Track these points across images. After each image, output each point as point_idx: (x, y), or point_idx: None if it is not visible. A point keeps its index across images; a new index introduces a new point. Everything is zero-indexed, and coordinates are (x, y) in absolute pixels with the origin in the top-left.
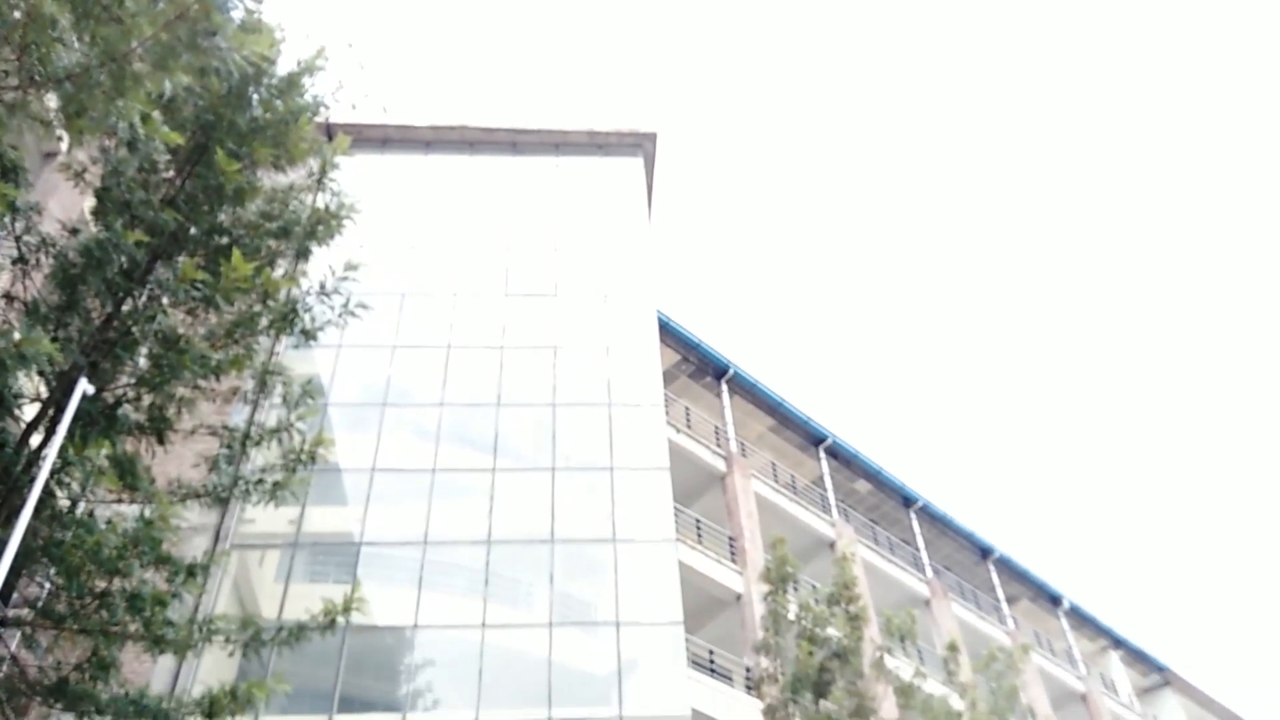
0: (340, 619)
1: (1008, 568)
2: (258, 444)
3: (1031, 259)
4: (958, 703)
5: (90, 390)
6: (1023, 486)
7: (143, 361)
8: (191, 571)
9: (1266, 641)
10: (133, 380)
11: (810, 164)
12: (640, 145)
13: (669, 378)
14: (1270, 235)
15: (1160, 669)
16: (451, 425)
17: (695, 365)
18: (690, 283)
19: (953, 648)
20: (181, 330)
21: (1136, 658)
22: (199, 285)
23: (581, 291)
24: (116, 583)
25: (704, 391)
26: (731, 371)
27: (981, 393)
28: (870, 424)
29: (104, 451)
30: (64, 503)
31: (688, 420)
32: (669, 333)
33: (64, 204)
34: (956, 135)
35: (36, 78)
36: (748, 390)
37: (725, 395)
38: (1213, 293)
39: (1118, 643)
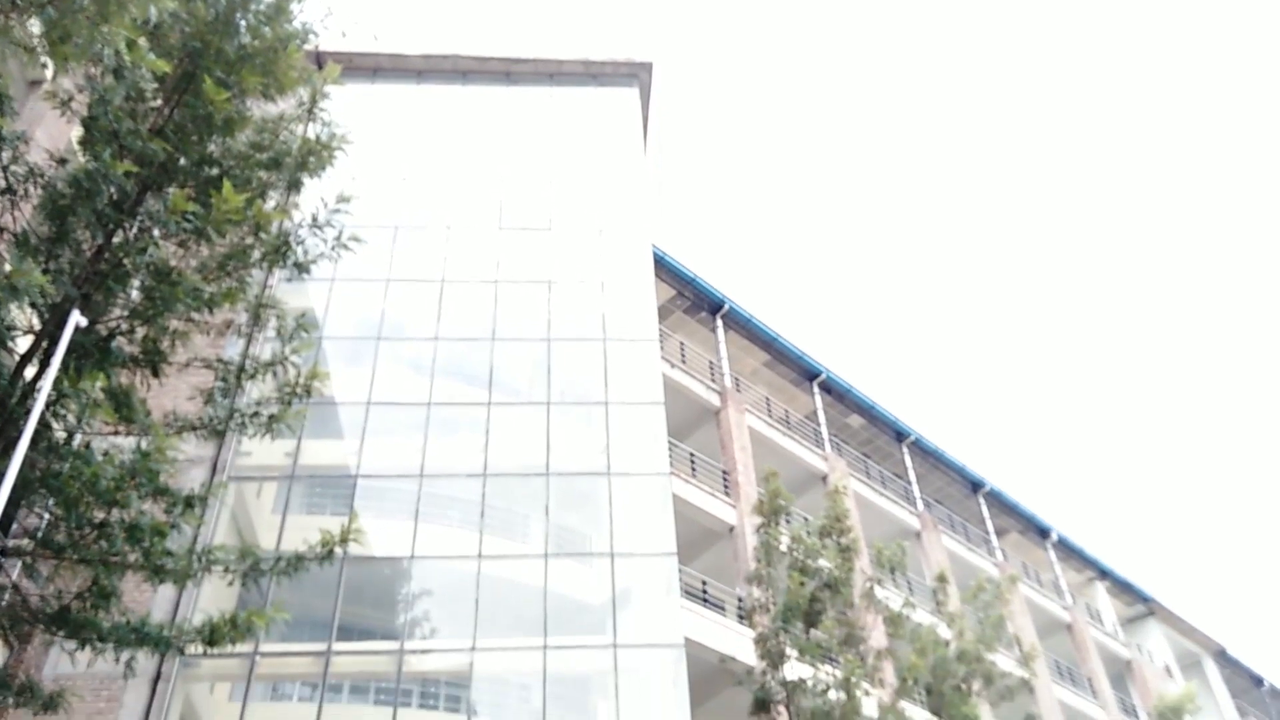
0: (338, 550)
1: (998, 501)
2: (253, 377)
3: (1028, 194)
4: (945, 632)
5: (83, 322)
6: (1015, 419)
7: (135, 294)
8: (189, 503)
9: (1249, 571)
10: (125, 313)
11: (808, 97)
12: (636, 76)
13: (664, 313)
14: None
15: (1145, 599)
16: (446, 360)
17: (690, 300)
18: (686, 217)
19: (942, 579)
20: (173, 263)
21: (1122, 588)
22: (190, 217)
23: (576, 225)
24: (115, 513)
25: (699, 327)
26: (726, 307)
27: (975, 327)
28: (864, 359)
29: (98, 384)
30: (60, 435)
31: (682, 355)
32: (664, 267)
33: (51, 133)
34: (959, 72)
35: (18, 2)
36: (742, 325)
37: (720, 330)
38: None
39: (1104, 574)
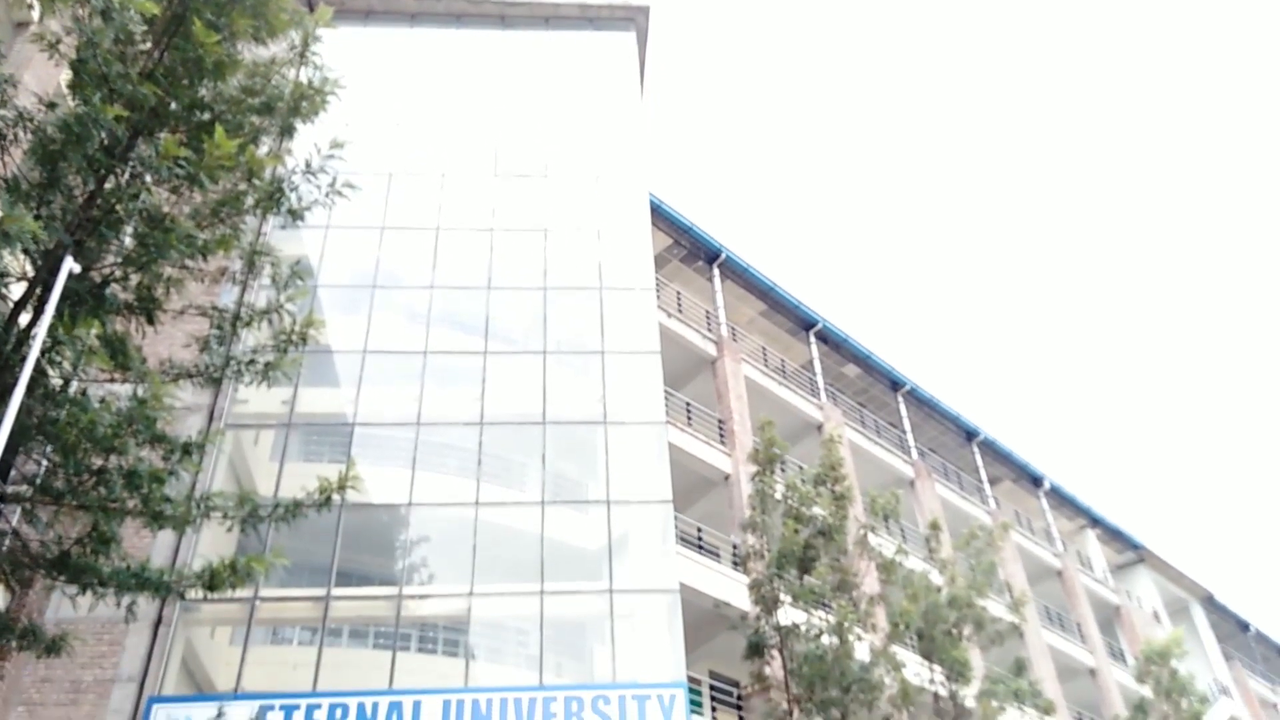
0: (336, 496)
1: (992, 449)
2: (248, 325)
3: (1027, 142)
4: (937, 578)
5: (76, 269)
6: (1009, 368)
7: (128, 241)
8: (187, 449)
9: (1239, 517)
10: (119, 260)
11: (806, 43)
12: (633, 19)
13: (660, 261)
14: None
15: (1135, 547)
16: (442, 308)
17: (687, 249)
18: (683, 165)
19: (935, 526)
20: (166, 209)
21: (1113, 536)
22: (182, 163)
23: (572, 172)
24: (113, 460)
25: (695, 275)
26: (723, 255)
27: (971, 276)
28: (861, 309)
29: (93, 331)
30: (56, 382)
31: (679, 304)
32: (661, 215)
33: (39, 77)
34: (964, 18)
35: None
36: (739, 274)
37: (717, 279)
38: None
39: (1095, 521)
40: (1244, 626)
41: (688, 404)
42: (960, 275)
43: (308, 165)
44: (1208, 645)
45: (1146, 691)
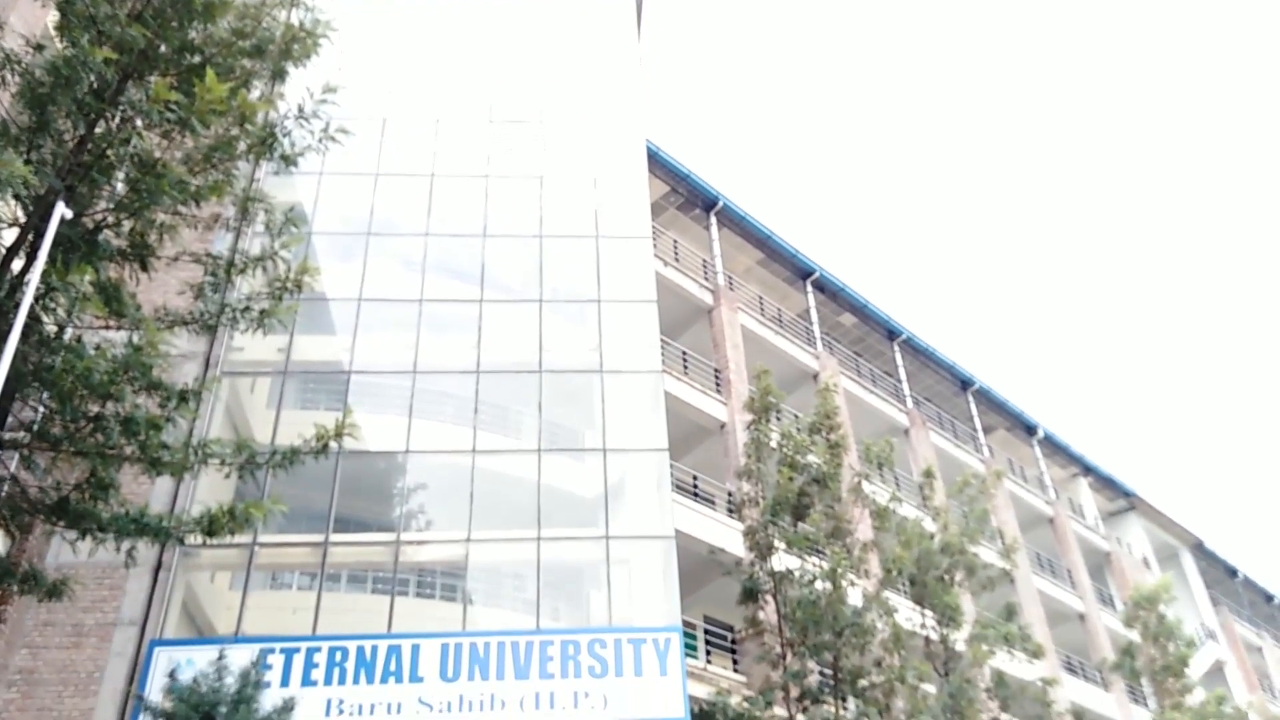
0: (333, 443)
1: (986, 398)
2: (242, 272)
3: (1025, 91)
4: (931, 525)
5: (69, 214)
6: (1005, 317)
7: (120, 186)
8: (183, 397)
9: (1231, 464)
10: (112, 205)
11: None
12: None
13: (657, 209)
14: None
15: (1127, 494)
16: (437, 256)
17: (684, 197)
18: (681, 111)
19: (928, 474)
20: (158, 154)
21: (1105, 484)
22: (173, 107)
23: (568, 119)
24: (109, 407)
25: (692, 224)
26: (720, 203)
27: (966, 225)
28: (858, 258)
29: (87, 277)
30: (51, 328)
31: (675, 253)
32: (658, 163)
33: (25, 18)
34: None
35: None
36: (736, 223)
37: (714, 228)
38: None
39: (1088, 470)
40: (1232, 573)
41: (684, 353)
42: (956, 225)
43: (300, 110)
44: (1196, 591)
45: (1134, 636)
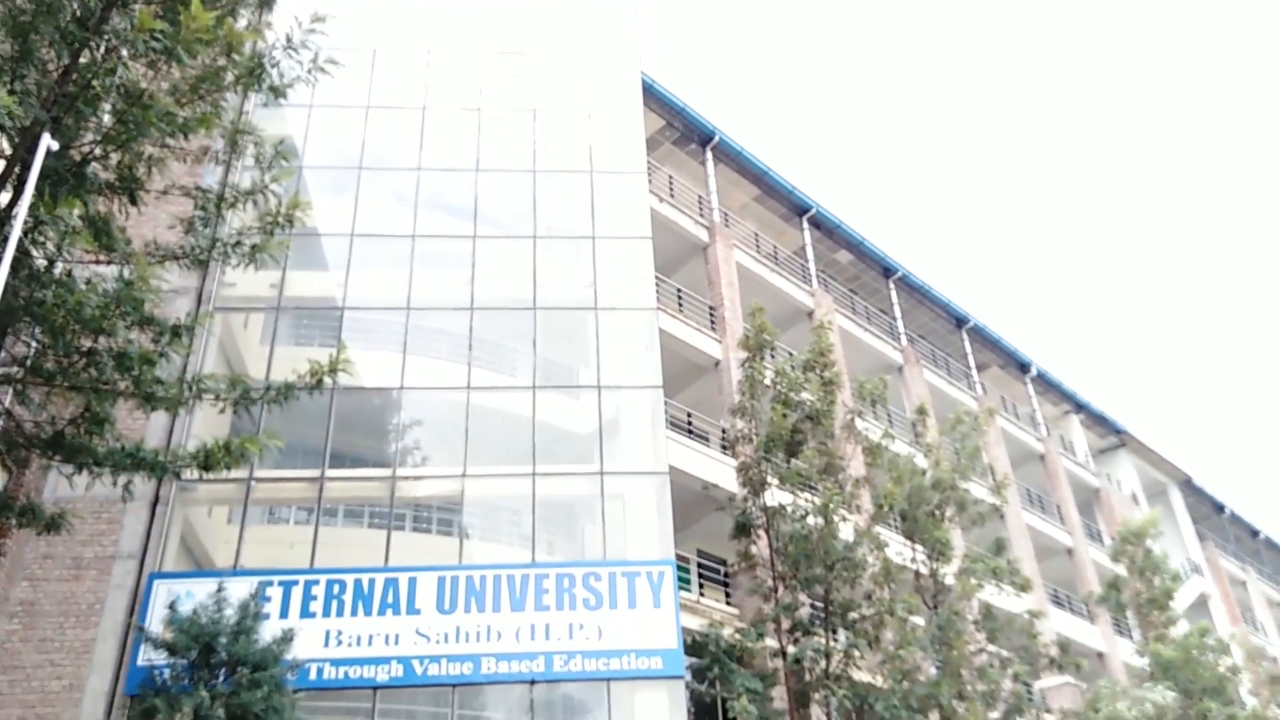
0: (327, 379)
1: (980, 336)
2: (233, 206)
3: (1023, 26)
4: (922, 462)
5: (55, 146)
6: (1000, 254)
7: (107, 118)
8: (176, 332)
9: (1221, 400)
10: (98, 138)
11: None
12: None
13: (652, 144)
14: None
15: (1118, 431)
16: (430, 191)
17: (680, 131)
18: (676, 44)
19: (921, 411)
20: (144, 85)
21: (1096, 421)
22: (158, 36)
23: (562, 50)
24: (102, 342)
25: (688, 159)
26: (717, 138)
27: (963, 159)
28: (854, 194)
29: (75, 211)
30: (40, 263)
31: (671, 189)
32: (653, 96)
33: None
34: None
35: None
36: (733, 158)
37: (710, 163)
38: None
39: (1080, 407)
40: (1219, 508)
41: (679, 290)
42: (952, 160)
43: (288, 40)
44: (1183, 526)
45: (1121, 570)
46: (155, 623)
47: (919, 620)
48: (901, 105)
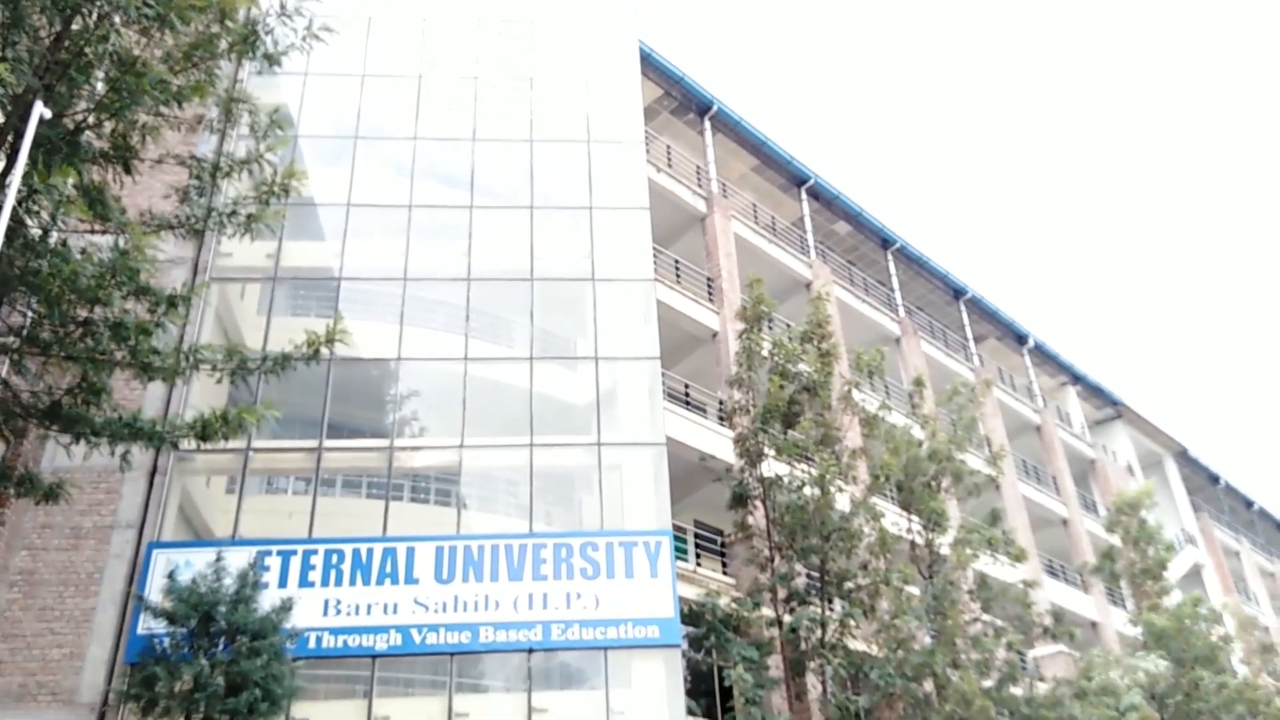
0: (324, 350)
1: (978, 307)
2: (228, 175)
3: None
4: (919, 433)
5: (48, 114)
6: (1001, 223)
7: (100, 86)
8: (173, 302)
9: (1218, 371)
10: (91, 106)
11: None
12: None
13: (650, 114)
14: None
15: (1114, 403)
16: (426, 161)
17: (678, 101)
18: (674, 12)
19: (918, 382)
20: (137, 52)
21: (1093, 392)
22: (150, 2)
23: (559, 19)
24: (98, 311)
25: (686, 129)
26: (715, 108)
27: (961, 132)
28: (853, 165)
29: (70, 180)
30: (35, 232)
31: (669, 159)
32: (651, 65)
33: None
34: None
35: None
36: (731, 128)
37: (708, 133)
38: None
39: (1077, 378)
40: (1214, 479)
41: (676, 261)
42: (951, 133)
43: (282, 7)
44: (1178, 497)
45: (1115, 540)
46: (155, 592)
47: (914, 590)
48: (900, 76)
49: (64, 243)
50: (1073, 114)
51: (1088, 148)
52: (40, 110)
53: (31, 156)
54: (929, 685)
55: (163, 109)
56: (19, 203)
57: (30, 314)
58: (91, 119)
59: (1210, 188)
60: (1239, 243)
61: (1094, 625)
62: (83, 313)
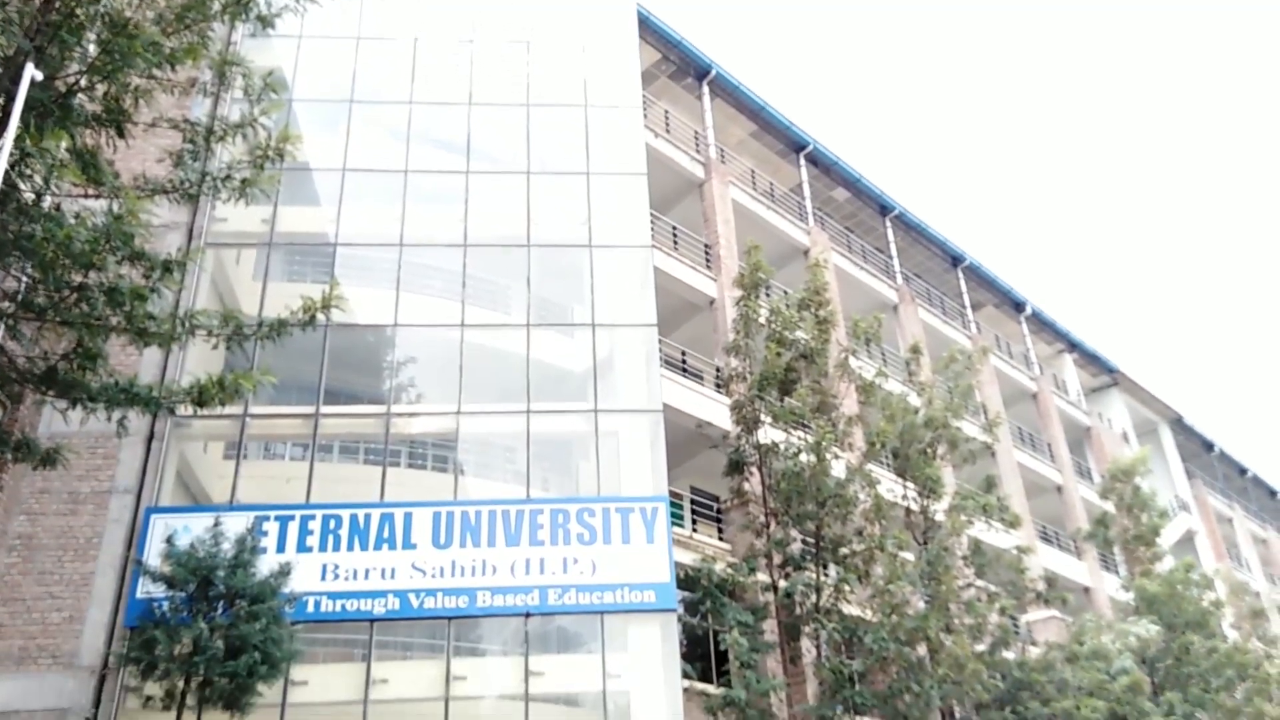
0: (320, 316)
1: (976, 274)
2: (222, 139)
3: None
4: (916, 400)
5: (39, 76)
6: (999, 192)
7: (92, 48)
8: (168, 267)
9: (1214, 338)
10: (83, 68)
11: None
12: None
13: (648, 78)
14: None
15: (1110, 370)
16: (422, 125)
17: (676, 65)
18: None
19: (915, 350)
20: (129, 14)
21: (1089, 360)
22: None
23: None
24: (93, 277)
25: (684, 94)
26: (713, 72)
27: (958, 97)
28: (852, 131)
29: (63, 143)
30: (29, 196)
31: (666, 124)
32: (649, 28)
33: None
34: None
35: None
36: (729, 93)
37: (706, 98)
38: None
39: (1073, 346)
40: (1208, 446)
41: (674, 228)
42: (947, 98)
43: None
44: (1172, 464)
45: (1109, 507)
46: (153, 556)
47: (909, 556)
48: (898, 44)
49: (58, 207)
50: (1071, 79)
51: (1086, 113)
52: (31, 73)
53: (23, 120)
54: (922, 649)
55: (155, 72)
56: (11, 167)
57: (25, 279)
58: (83, 82)
59: (1208, 155)
60: (1236, 211)
61: (1086, 591)
62: (77, 278)
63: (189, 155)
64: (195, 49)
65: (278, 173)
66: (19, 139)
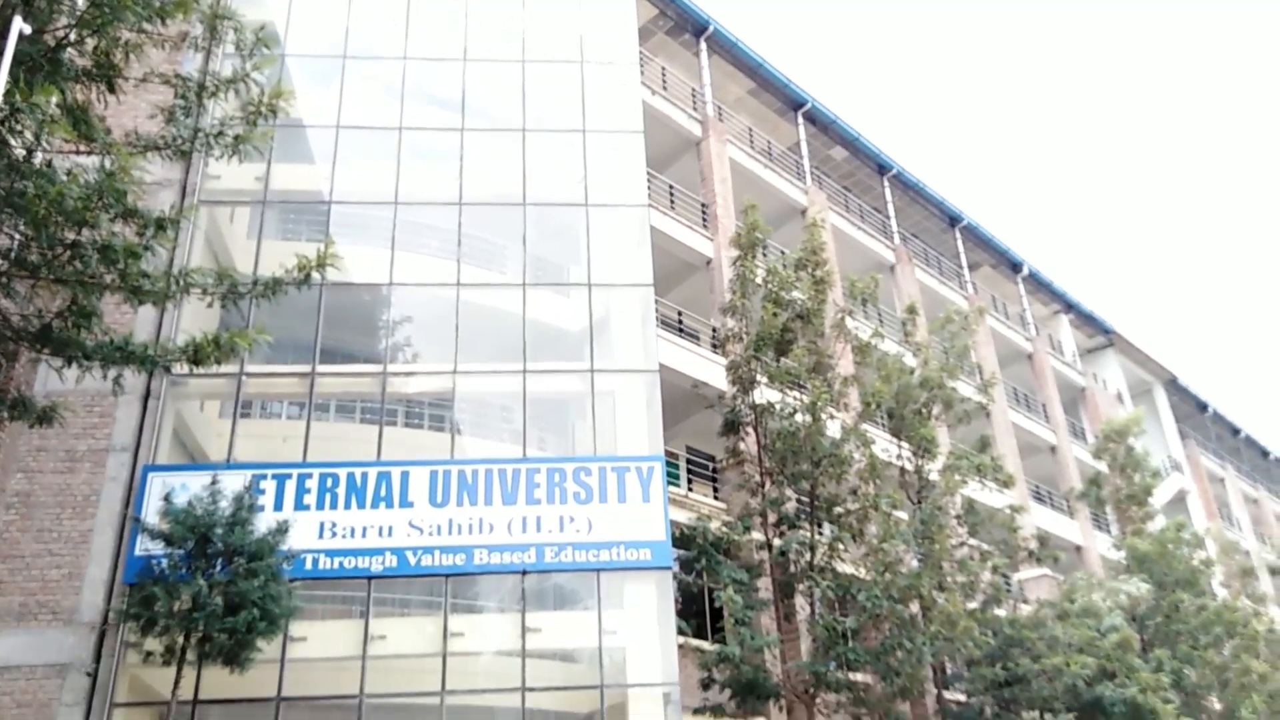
0: (315, 274)
1: (973, 235)
2: (214, 95)
3: None
4: (911, 361)
5: (27, 30)
6: (996, 151)
7: (81, 2)
8: (161, 224)
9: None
10: (72, 22)
11: None
12: None
13: (644, 34)
14: None
15: (1106, 331)
16: (416, 81)
17: (673, 21)
18: None
19: (911, 310)
20: None
21: (1085, 320)
22: None
23: None
24: (86, 234)
25: (681, 50)
26: (711, 29)
27: (956, 55)
28: (850, 90)
29: (53, 99)
30: (20, 153)
31: (663, 81)
32: None
33: None
34: None
35: None
36: (727, 50)
37: (703, 54)
38: None
39: (1069, 307)
40: (1202, 407)
41: (671, 186)
42: (946, 58)
43: None
44: (1166, 425)
45: (1102, 467)
46: (151, 514)
47: (902, 515)
48: (898, 3)
49: (49, 164)
50: (1069, 39)
51: (1084, 73)
52: (20, 26)
53: (12, 75)
54: (915, 607)
55: (145, 25)
56: (1, 122)
57: (17, 236)
58: (73, 35)
59: (1205, 115)
60: (1231, 171)
61: (1078, 549)
62: (70, 235)
63: (181, 111)
64: (185, 2)
65: (271, 129)
66: (8, 94)
